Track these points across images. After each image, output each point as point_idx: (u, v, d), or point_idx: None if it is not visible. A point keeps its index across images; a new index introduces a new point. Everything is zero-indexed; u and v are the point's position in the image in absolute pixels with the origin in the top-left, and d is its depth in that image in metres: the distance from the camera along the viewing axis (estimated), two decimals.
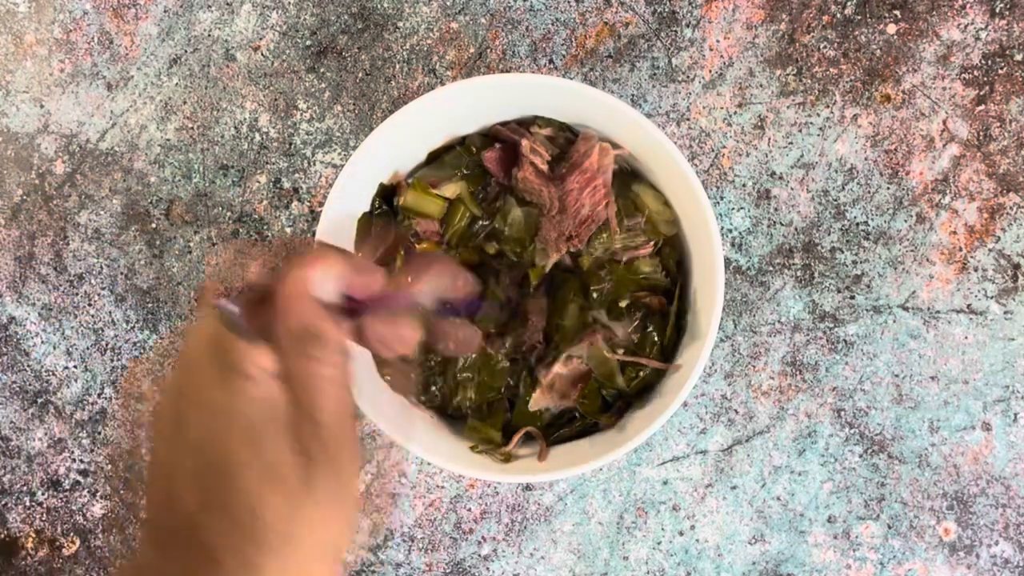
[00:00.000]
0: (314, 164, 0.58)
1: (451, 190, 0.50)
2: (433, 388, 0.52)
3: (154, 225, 0.58)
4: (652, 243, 0.50)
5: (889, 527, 0.56)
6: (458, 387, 0.51)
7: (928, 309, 0.56)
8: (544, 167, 0.49)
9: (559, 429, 0.51)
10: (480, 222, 0.50)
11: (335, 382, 0.29)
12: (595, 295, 0.50)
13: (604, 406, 0.51)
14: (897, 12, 0.57)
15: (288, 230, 0.57)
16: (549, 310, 0.50)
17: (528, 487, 0.57)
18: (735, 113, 0.57)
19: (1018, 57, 0.56)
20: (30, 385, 0.58)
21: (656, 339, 0.50)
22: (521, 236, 0.49)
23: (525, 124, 0.52)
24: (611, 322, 0.50)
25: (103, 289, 0.58)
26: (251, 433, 0.28)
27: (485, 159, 0.50)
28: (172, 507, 0.28)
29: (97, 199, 0.58)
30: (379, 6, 0.57)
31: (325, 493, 0.29)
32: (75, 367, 0.58)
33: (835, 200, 0.57)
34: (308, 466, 0.28)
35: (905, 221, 0.56)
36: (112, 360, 0.58)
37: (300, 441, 0.29)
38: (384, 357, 0.37)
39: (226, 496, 0.28)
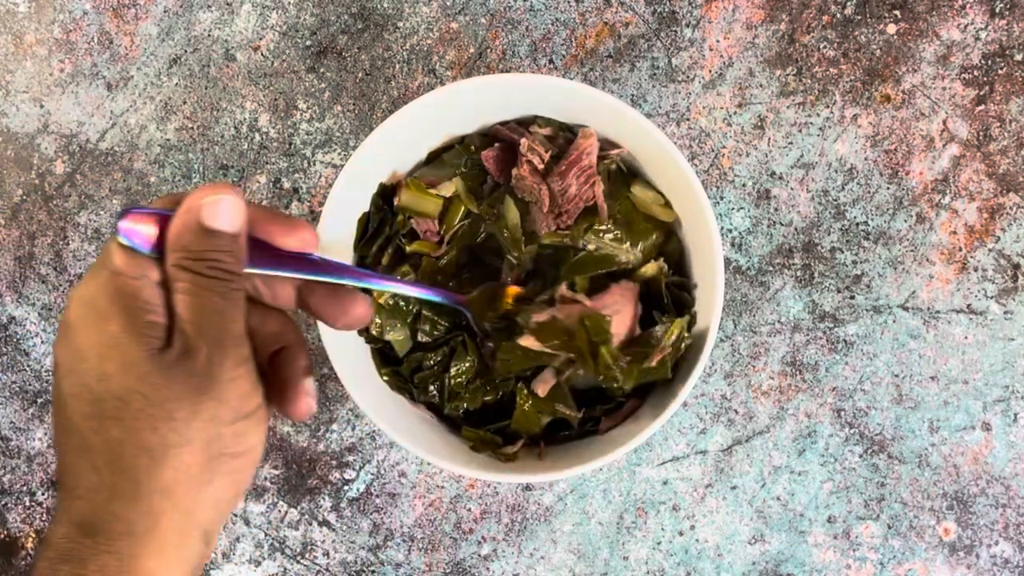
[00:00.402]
0: (314, 164, 0.58)
1: (449, 188, 0.50)
2: (432, 389, 0.52)
3: None
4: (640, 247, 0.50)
5: (889, 527, 0.56)
6: (454, 394, 0.51)
7: (928, 309, 0.56)
8: (541, 166, 0.49)
9: (560, 432, 0.51)
10: (482, 224, 0.50)
11: (208, 290, 0.32)
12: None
13: (603, 401, 0.51)
14: (897, 12, 0.57)
15: None
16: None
17: (528, 487, 0.57)
18: (735, 113, 0.57)
19: (1018, 57, 0.56)
20: (30, 385, 0.58)
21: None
22: (518, 236, 0.49)
23: (525, 124, 0.52)
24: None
25: None
26: (99, 315, 0.31)
27: (483, 158, 0.50)
28: (56, 397, 0.32)
29: (97, 199, 0.58)
30: (379, 6, 0.57)
31: (183, 379, 0.31)
32: None
33: (835, 200, 0.57)
34: (166, 352, 0.31)
35: (905, 221, 0.56)
36: None
37: (167, 336, 0.31)
38: (332, 328, 0.38)
39: (84, 377, 0.31)
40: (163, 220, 0.33)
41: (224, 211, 0.32)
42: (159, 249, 0.33)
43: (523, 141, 0.49)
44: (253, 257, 0.34)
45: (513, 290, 0.49)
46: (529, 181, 0.49)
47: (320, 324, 0.46)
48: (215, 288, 0.32)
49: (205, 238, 0.32)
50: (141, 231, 0.33)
